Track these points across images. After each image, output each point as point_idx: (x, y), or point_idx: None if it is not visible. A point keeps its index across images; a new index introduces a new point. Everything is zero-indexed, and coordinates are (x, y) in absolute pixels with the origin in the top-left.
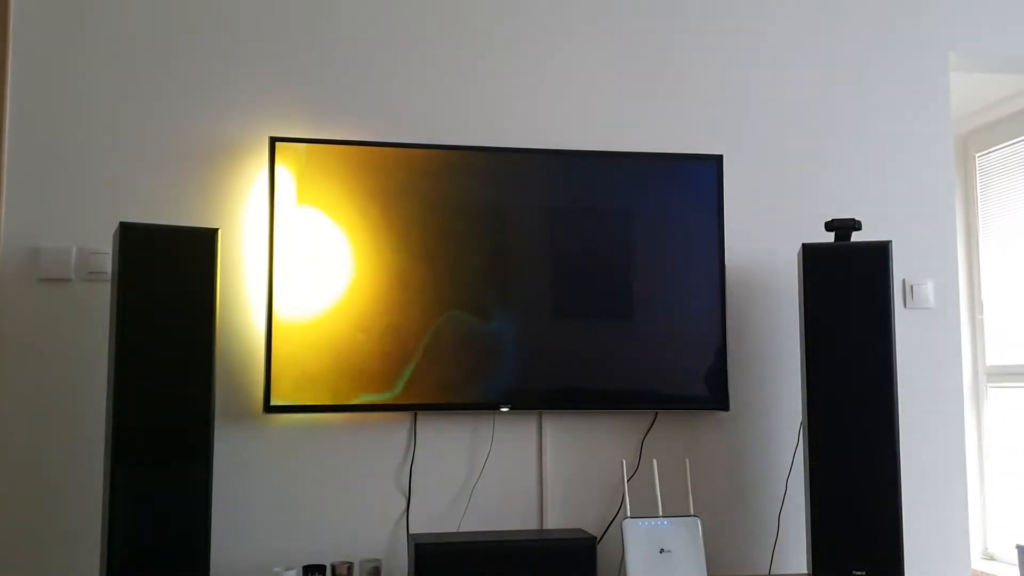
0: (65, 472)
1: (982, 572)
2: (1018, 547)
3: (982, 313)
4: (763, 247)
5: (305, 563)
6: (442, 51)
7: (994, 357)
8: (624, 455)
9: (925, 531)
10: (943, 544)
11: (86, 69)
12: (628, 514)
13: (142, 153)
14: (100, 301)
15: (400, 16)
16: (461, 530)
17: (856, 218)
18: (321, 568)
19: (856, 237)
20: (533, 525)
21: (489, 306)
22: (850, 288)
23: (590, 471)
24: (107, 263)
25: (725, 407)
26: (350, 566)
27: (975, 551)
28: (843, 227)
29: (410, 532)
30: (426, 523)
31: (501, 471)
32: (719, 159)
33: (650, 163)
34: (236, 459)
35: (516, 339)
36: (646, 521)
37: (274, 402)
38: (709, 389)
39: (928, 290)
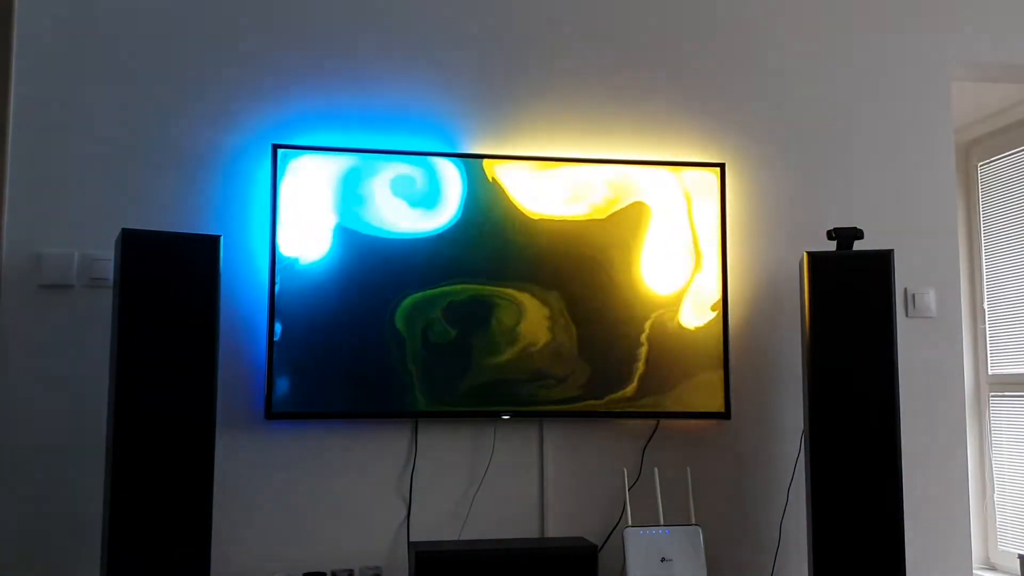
0: (66, 477)
1: None
2: (1020, 556)
3: (984, 322)
4: (765, 255)
5: (305, 570)
6: (443, 57)
7: (996, 367)
8: (625, 463)
9: (927, 540)
10: (944, 553)
11: (89, 75)
12: (629, 522)
13: (144, 159)
14: (102, 307)
15: (402, 21)
16: (462, 538)
17: (858, 227)
18: (321, 575)
19: (858, 246)
20: (534, 533)
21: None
22: (852, 297)
23: (591, 479)
24: (109, 269)
25: (727, 416)
26: (350, 573)
27: (976, 560)
28: (845, 236)
29: (411, 539)
30: (427, 531)
31: (502, 479)
32: (722, 167)
33: (654, 171)
34: (237, 466)
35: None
36: (647, 530)
37: (275, 409)
38: (711, 397)
39: (930, 299)
